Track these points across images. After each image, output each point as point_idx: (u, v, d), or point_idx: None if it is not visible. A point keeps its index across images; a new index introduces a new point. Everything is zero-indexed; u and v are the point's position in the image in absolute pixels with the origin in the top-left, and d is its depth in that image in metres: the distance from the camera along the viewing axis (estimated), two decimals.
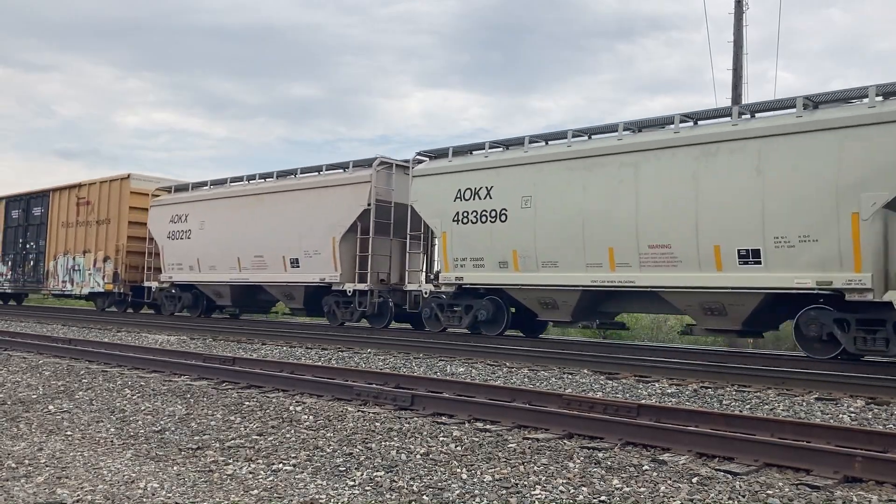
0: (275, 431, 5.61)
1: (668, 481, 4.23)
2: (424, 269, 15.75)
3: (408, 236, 15.07)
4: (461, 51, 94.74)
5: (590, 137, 12.34)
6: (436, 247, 15.04)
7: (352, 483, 4.23)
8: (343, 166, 16.17)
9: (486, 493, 4.03)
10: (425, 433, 5.50)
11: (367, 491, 4.08)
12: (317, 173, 16.72)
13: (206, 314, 19.65)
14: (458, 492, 4.05)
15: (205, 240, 18.52)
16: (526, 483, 4.20)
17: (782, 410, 6.75)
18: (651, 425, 5.33)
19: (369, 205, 15.06)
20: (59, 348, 11.06)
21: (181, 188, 20.10)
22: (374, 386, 7.19)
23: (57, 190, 24.05)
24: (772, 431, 5.27)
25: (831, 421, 6.25)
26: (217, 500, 3.93)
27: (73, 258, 22.68)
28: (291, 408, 6.50)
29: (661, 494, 3.99)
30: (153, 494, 4.02)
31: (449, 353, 11.24)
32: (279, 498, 3.96)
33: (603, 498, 3.93)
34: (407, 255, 15.49)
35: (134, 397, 7.17)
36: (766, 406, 6.97)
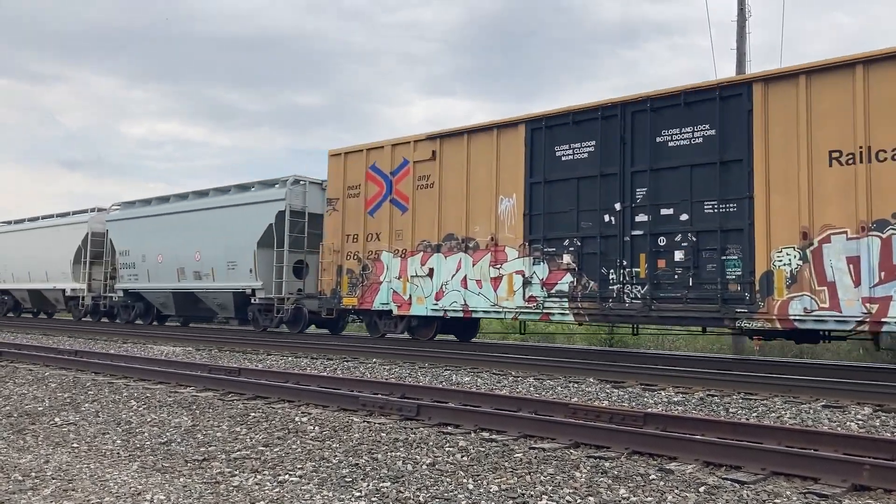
0: (281, 442, 5.61)
1: (675, 490, 4.22)
2: None
3: None
4: (465, 57, 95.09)
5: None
6: None
7: (358, 494, 4.22)
8: None
9: (493, 503, 4.02)
10: (431, 443, 5.49)
11: (373, 502, 4.07)
12: None
13: None
14: (464, 502, 4.04)
15: None
16: (532, 493, 4.19)
17: (789, 418, 6.73)
18: (657, 434, 5.32)
19: None
20: (65, 360, 11.08)
21: None
22: (379, 396, 7.19)
23: None
24: (779, 439, 5.25)
25: (839, 429, 6.22)
26: None
27: None
28: (297, 418, 6.50)
29: None
30: None
31: (454, 363, 11.24)
32: None
33: None
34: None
35: (140, 409, 7.18)
36: (773, 414, 6.94)
